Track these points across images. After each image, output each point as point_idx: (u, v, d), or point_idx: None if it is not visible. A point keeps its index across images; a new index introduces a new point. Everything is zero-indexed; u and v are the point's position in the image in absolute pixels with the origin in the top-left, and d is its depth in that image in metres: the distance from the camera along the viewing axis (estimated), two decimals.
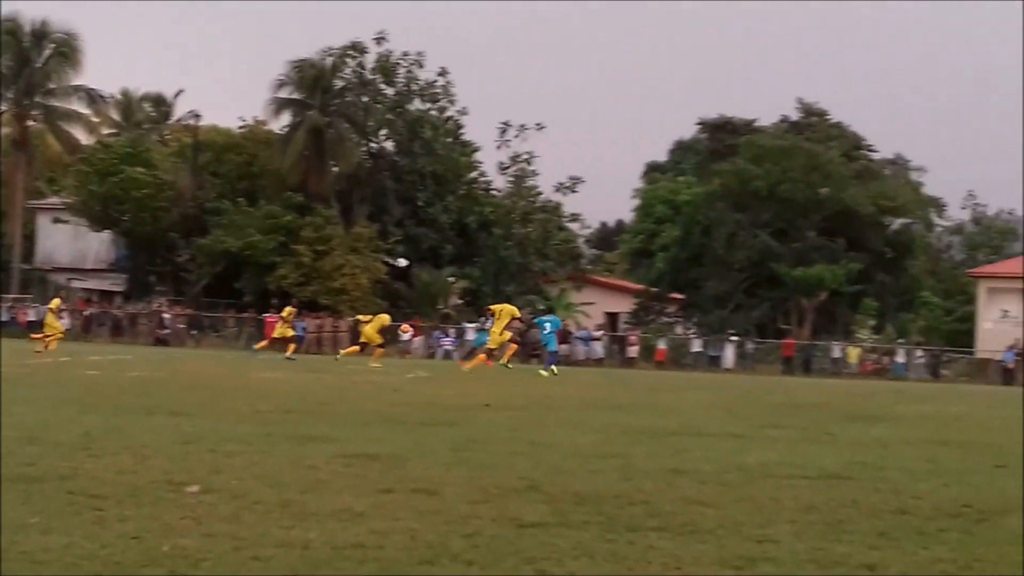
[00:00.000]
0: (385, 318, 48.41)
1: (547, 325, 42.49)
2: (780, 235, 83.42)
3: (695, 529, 7.80)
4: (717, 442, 14.67)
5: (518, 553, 6.86)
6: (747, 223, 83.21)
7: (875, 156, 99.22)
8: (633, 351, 71.76)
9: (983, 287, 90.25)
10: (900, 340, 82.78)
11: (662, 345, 73.49)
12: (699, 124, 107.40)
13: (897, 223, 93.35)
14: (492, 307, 43.75)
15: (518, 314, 42.74)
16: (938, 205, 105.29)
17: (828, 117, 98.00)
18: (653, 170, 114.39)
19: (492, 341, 41.29)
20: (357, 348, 46.90)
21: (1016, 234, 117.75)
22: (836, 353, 71.69)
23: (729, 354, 71.33)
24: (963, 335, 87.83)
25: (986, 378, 69.52)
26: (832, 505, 9.17)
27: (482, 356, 42.07)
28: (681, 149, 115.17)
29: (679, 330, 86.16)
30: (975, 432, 18.60)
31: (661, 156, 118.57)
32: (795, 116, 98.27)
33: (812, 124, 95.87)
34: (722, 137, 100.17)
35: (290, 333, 51.03)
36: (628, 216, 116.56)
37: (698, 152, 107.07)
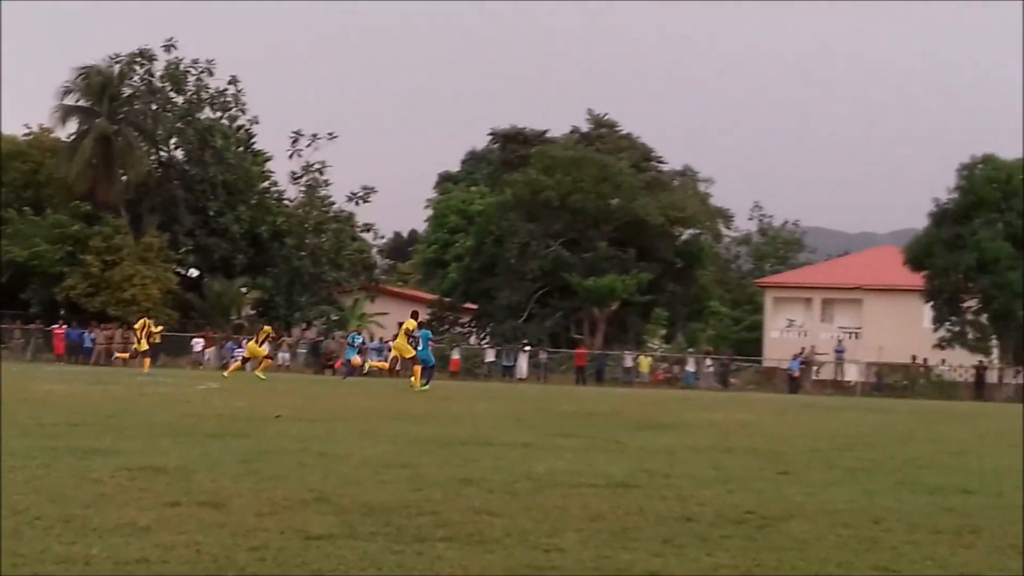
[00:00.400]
0: (267, 329, 48.78)
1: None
2: (572, 245, 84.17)
3: (483, 539, 7.82)
4: (507, 451, 14.74)
5: (305, 565, 6.82)
6: (539, 233, 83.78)
7: (664, 167, 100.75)
8: None
9: (770, 297, 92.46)
10: (690, 349, 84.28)
11: (456, 355, 73.66)
12: (491, 135, 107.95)
13: (686, 233, 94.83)
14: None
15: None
16: (725, 216, 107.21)
17: (618, 128, 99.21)
18: (446, 180, 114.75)
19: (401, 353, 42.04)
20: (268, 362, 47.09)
21: (801, 245, 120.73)
22: (628, 362, 72.56)
23: (522, 364, 71.82)
24: (751, 344, 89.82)
25: (773, 386, 71.08)
26: (618, 513, 9.27)
27: (417, 368, 41.89)
28: (473, 159, 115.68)
29: (473, 340, 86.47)
30: (760, 439, 18.95)
31: (454, 166, 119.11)
32: (585, 127, 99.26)
33: (602, 135, 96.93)
34: (514, 148, 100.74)
35: (144, 347, 50.69)
36: (421, 226, 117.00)
37: (490, 162, 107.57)
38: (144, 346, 50.40)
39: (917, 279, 76.19)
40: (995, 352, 75.78)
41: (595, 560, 7.24)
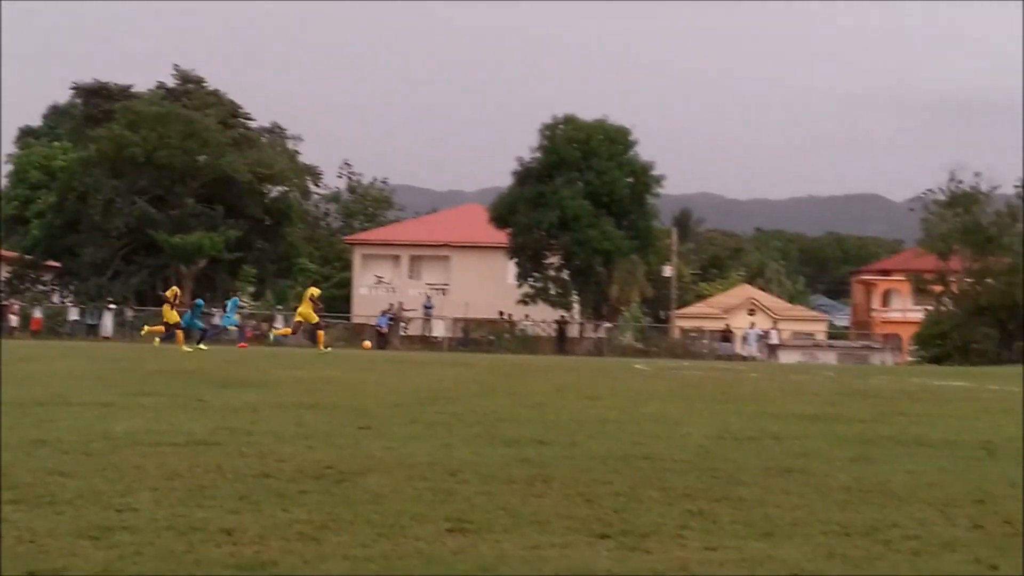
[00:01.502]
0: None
1: (227, 304, 44.18)
2: (158, 202, 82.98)
3: (53, 500, 7.62)
4: (84, 411, 14.40)
5: None
6: (124, 190, 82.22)
7: (252, 124, 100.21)
8: (13, 320, 69.82)
9: (358, 254, 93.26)
10: (279, 306, 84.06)
11: (38, 314, 71.78)
12: (74, 89, 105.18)
13: (275, 191, 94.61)
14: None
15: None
16: (314, 173, 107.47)
17: (205, 84, 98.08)
18: (27, 135, 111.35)
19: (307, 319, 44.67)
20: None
21: (390, 202, 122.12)
22: (216, 320, 71.97)
23: (107, 322, 70.59)
24: (340, 301, 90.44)
25: (361, 342, 71.65)
26: (196, 471, 9.18)
27: (320, 334, 47.27)
28: (56, 114, 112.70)
29: (56, 298, 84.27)
30: (344, 395, 19.03)
31: (35, 121, 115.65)
32: (171, 83, 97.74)
33: (189, 91, 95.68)
34: (98, 102, 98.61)
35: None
36: (1, 182, 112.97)
37: (73, 117, 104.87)
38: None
39: (502, 236, 78.06)
40: (576, 307, 78.45)
41: (169, 518, 7.15)
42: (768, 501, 8.42)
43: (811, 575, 6.19)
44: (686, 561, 6.39)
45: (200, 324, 54.76)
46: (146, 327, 50.26)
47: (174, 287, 50.79)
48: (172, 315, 46.93)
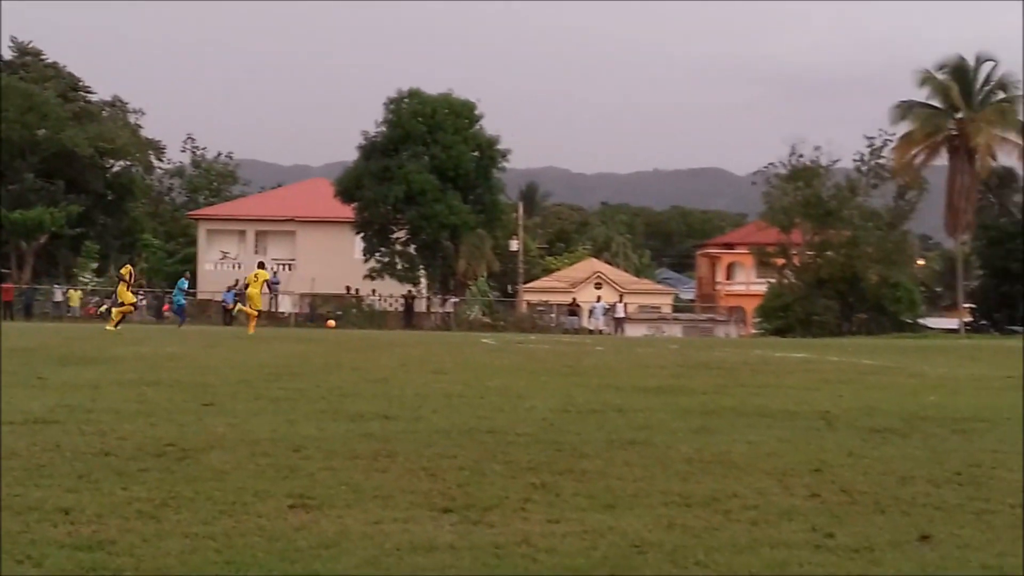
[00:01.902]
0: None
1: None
2: None
3: None
4: None
5: None
6: None
7: (93, 98, 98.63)
8: None
9: (203, 229, 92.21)
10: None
11: None
12: None
13: (117, 165, 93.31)
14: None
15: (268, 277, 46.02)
16: (157, 148, 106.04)
17: (44, 57, 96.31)
18: None
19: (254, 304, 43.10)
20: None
21: (235, 177, 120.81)
22: (58, 296, 70.99)
23: None
24: None
25: (208, 318, 70.99)
26: (34, 450, 9.03)
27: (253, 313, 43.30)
28: None
29: None
30: (188, 372, 18.84)
31: None
32: (8, 55, 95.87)
33: (27, 64, 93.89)
34: None
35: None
36: None
37: None
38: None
39: (348, 211, 77.75)
40: (423, 282, 78.40)
41: (4, 498, 7.03)
42: (610, 473, 8.51)
43: (652, 545, 6.26)
44: (528, 534, 6.43)
45: (183, 302, 55.07)
46: (114, 310, 47.33)
47: (128, 265, 48.49)
48: (128, 295, 45.26)
